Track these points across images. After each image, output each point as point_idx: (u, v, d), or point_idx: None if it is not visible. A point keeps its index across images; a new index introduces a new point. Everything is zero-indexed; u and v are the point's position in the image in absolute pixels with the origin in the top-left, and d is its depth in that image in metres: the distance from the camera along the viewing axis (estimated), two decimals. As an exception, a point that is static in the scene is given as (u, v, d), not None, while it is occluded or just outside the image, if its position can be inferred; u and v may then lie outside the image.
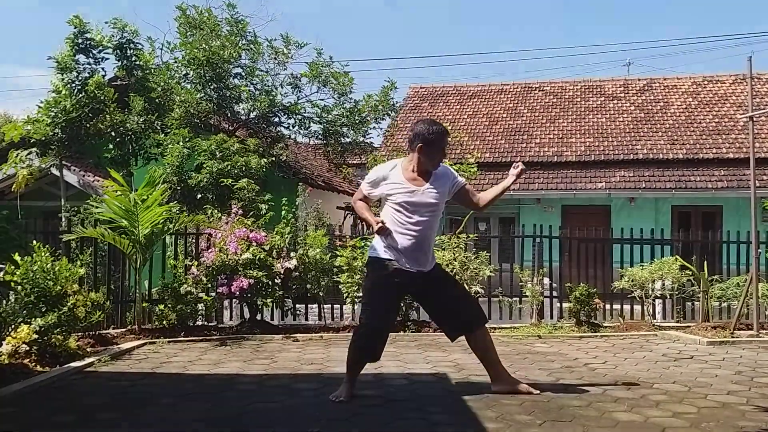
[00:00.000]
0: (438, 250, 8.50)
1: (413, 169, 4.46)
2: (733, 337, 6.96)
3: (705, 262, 8.54)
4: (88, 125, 12.79)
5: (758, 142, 15.82)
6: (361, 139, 16.15)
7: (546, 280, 9.01)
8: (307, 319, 8.43)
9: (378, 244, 4.46)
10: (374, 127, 16.30)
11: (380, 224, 4.35)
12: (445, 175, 4.54)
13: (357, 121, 15.57)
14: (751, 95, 7.89)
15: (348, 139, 15.94)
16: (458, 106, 20.88)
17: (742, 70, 19.34)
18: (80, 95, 12.60)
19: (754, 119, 7.62)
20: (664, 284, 8.62)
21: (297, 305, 8.24)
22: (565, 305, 8.52)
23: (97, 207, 7.45)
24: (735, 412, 4.04)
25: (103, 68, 13.50)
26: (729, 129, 17.52)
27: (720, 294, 8.24)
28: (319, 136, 16.12)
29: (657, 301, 9.03)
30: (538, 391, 4.45)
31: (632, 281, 8.31)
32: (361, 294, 4.64)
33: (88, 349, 5.97)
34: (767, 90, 18.79)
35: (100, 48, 13.32)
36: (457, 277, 8.25)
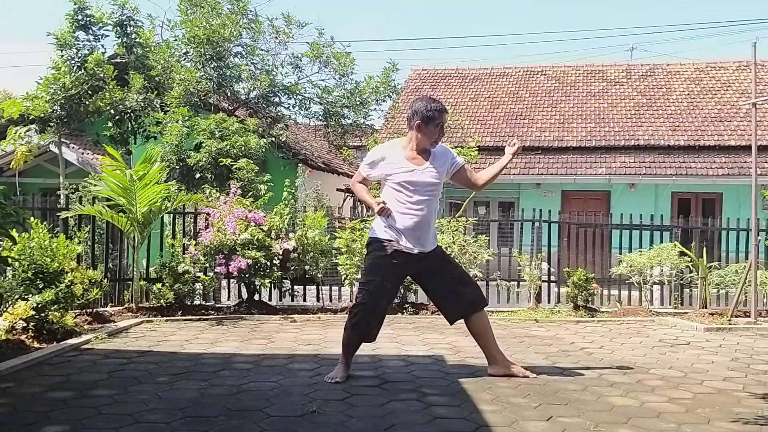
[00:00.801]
0: (437, 233, 8.49)
1: (412, 147, 4.42)
2: (730, 324, 6.97)
3: (704, 249, 8.54)
4: (87, 102, 12.75)
5: (760, 130, 15.77)
6: (362, 120, 16.07)
7: (544, 265, 9.02)
8: (305, 300, 8.44)
9: (378, 225, 4.43)
10: (375, 109, 16.22)
11: (381, 205, 4.31)
12: (443, 154, 4.51)
13: (358, 103, 15.49)
14: (755, 82, 7.85)
15: (348, 121, 15.87)
16: (460, 90, 20.79)
17: (745, 57, 19.27)
18: (79, 72, 12.55)
19: (757, 106, 7.58)
20: (662, 270, 8.63)
21: (295, 286, 8.25)
22: (563, 290, 8.53)
23: (95, 184, 7.42)
24: (731, 398, 4.05)
25: (102, 45, 13.47)
26: (731, 116, 17.47)
27: (718, 281, 8.24)
28: (320, 117, 16.05)
29: (655, 287, 9.03)
30: (534, 375, 4.45)
31: (630, 267, 8.31)
32: (359, 275, 4.58)
33: (86, 327, 5.98)
34: (771, 77, 18.69)
35: (100, 25, 13.25)
36: (456, 260, 8.26)
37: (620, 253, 8.96)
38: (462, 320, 4.56)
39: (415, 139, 4.42)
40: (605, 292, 9.19)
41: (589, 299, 7.92)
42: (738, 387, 4.34)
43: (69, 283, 5.78)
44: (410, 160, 4.38)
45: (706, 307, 7.97)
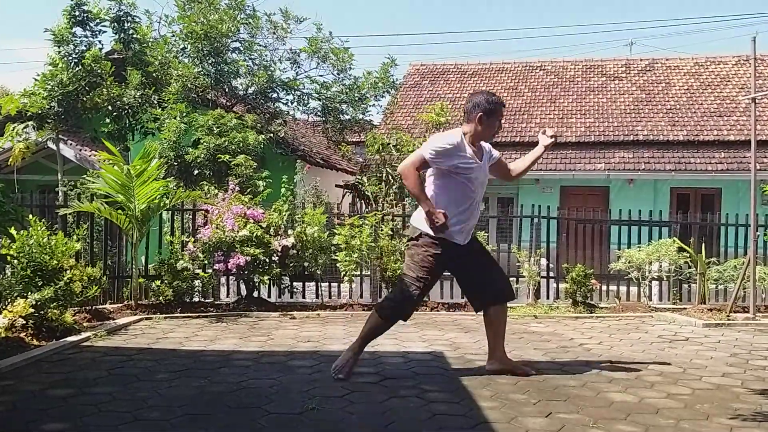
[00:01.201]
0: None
1: (471, 141, 4.41)
2: (729, 320, 6.97)
3: (703, 245, 8.54)
4: (84, 99, 12.73)
5: (759, 125, 15.75)
6: (361, 116, 16.06)
7: (543, 261, 9.01)
8: (304, 296, 8.43)
9: (425, 218, 4.31)
10: (374, 105, 16.23)
11: (443, 218, 4.21)
12: (482, 147, 4.54)
13: (356, 98, 15.48)
14: (754, 76, 7.84)
15: (347, 116, 15.86)
16: (459, 85, 20.75)
17: (745, 52, 19.24)
18: (77, 68, 12.53)
19: (757, 101, 7.57)
20: (660, 266, 8.63)
21: (294, 283, 8.24)
22: (562, 286, 8.53)
23: (93, 181, 7.41)
24: (729, 394, 4.05)
25: (100, 41, 13.44)
26: (730, 111, 17.45)
27: (717, 276, 8.24)
28: (318, 113, 16.04)
29: (653, 282, 9.03)
30: (534, 372, 4.46)
31: (629, 263, 8.30)
32: (408, 269, 4.41)
33: (85, 324, 5.97)
34: (769, 72, 18.67)
35: (97, 21, 13.22)
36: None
37: (619, 249, 8.96)
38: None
39: (475, 133, 4.40)
40: (604, 287, 9.19)
41: (588, 295, 7.92)
42: (737, 383, 4.34)
43: (68, 281, 5.77)
44: (475, 154, 4.38)
45: (704, 303, 7.98)
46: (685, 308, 7.81)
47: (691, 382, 4.35)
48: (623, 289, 8.95)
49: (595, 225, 9.91)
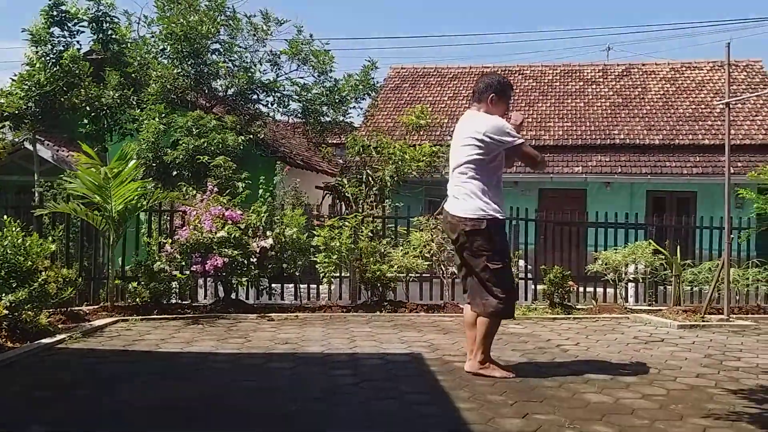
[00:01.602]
0: (416, 231, 8.53)
1: None
2: (703, 321, 7.06)
3: (678, 247, 8.64)
4: (62, 99, 12.60)
5: (734, 129, 15.99)
6: (341, 118, 16.07)
7: (521, 262, 9.07)
8: (282, 298, 8.40)
9: (484, 205, 4.36)
10: (354, 107, 16.25)
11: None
12: None
13: (337, 101, 15.48)
14: (728, 82, 7.95)
15: (327, 118, 15.85)
16: (439, 88, 20.84)
17: (719, 58, 19.51)
18: (54, 69, 12.41)
19: (731, 106, 7.68)
20: (637, 268, 8.72)
21: (273, 284, 8.21)
22: (540, 287, 8.59)
23: (70, 182, 7.33)
24: (703, 394, 4.11)
25: (78, 41, 13.34)
26: (705, 116, 17.70)
27: (692, 278, 8.35)
28: (299, 115, 16.02)
29: (630, 284, 9.13)
30: (513, 374, 4.48)
31: (606, 264, 8.38)
32: (492, 262, 4.37)
33: (60, 326, 5.90)
34: (744, 77, 18.98)
35: (76, 21, 13.11)
36: (434, 258, 8.29)
37: (596, 251, 9.04)
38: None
39: (487, 113, 4.50)
40: (581, 289, 9.27)
41: (566, 296, 7.99)
42: (710, 383, 4.40)
43: (43, 282, 5.70)
44: None
45: (679, 305, 8.08)
46: (660, 310, 7.89)
47: (665, 382, 4.40)
48: (600, 290, 9.04)
49: (572, 227, 10.00)
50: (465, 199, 4.40)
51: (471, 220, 4.35)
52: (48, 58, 12.60)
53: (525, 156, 4.56)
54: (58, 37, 12.92)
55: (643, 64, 20.75)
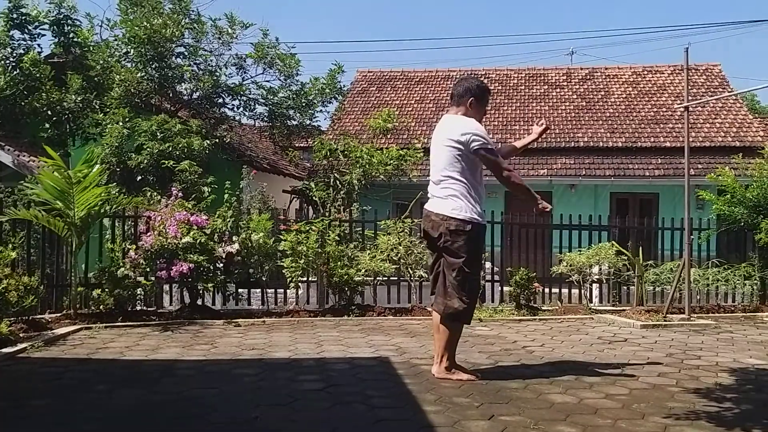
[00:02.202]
0: (383, 235, 8.54)
1: None
2: (665, 321, 7.20)
3: (640, 248, 8.80)
4: (23, 103, 12.39)
5: (694, 132, 16.33)
6: (308, 122, 16.06)
7: (488, 265, 9.14)
8: (249, 303, 8.34)
9: (469, 208, 4.41)
10: (321, 111, 16.27)
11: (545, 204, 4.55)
12: None
13: (303, 104, 15.47)
14: (687, 86, 8.13)
15: (294, 122, 15.82)
16: (405, 92, 20.91)
17: (679, 62, 19.92)
18: (14, 72, 12.21)
19: (690, 109, 7.85)
20: (600, 269, 8.85)
21: (240, 290, 8.14)
22: (506, 289, 8.67)
23: (31, 188, 7.20)
24: (665, 393, 4.19)
25: (39, 45, 13.15)
26: (666, 118, 18.04)
27: (654, 279, 8.51)
28: (265, 119, 15.96)
29: (594, 285, 9.26)
30: (477, 376, 4.51)
31: (570, 266, 8.49)
32: (464, 264, 4.41)
33: (21, 335, 5.77)
34: (704, 80, 19.39)
35: (36, 24, 12.91)
36: (401, 261, 8.31)
37: (561, 253, 9.16)
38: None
39: (466, 116, 4.54)
40: (547, 290, 9.37)
41: (532, 298, 8.08)
42: (671, 382, 4.49)
43: (3, 290, 5.60)
44: None
45: (642, 305, 8.23)
46: (624, 310, 8.02)
47: (628, 382, 4.48)
48: (565, 291, 9.15)
49: (538, 229, 10.11)
50: (450, 199, 4.45)
51: (456, 219, 4.41)
52: (8, 61, 12.39)
53: (488, 164, 4.50)
54: (18, 41, 12.71)
55: (606, 68, 21.07)
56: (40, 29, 13.04)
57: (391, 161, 14.32)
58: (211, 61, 15.01)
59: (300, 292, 8.49)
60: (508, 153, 5.21)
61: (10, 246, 6.64)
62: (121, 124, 12.45)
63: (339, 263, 7.84)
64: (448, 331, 4.45)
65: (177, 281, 7.46)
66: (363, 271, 7.86)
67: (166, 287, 8.19)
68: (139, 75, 13.62)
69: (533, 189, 4.83)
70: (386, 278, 8.38)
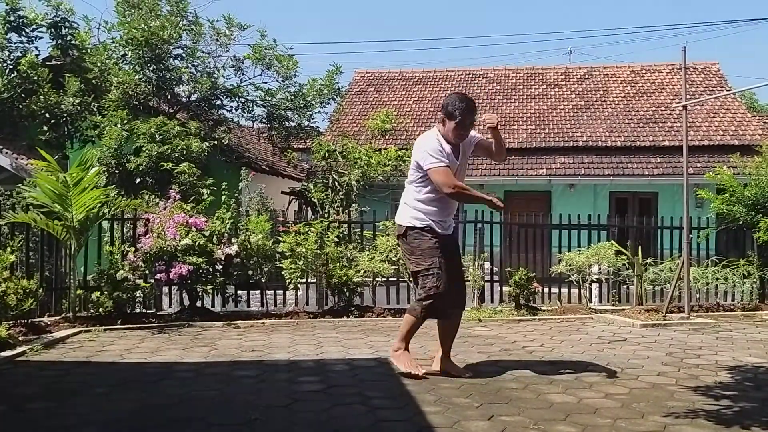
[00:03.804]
0: (382, 236, 8.54)
1: (448, 141, 4.64)
2: (665, 320, 7.20)
3: (640, 247, 8.79)
4: (20, 106, 12.39)
5: (692, 131, 16.34)
6: (306, 123, 16.06)
7: (487, 265, 9.14)
8: (249, 305, 8.33)
9: (416, 214, 4.64)
10: (319, 112, 16.26)
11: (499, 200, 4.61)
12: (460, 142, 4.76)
13: (301, 105, 15.46)
14: (685, 85, 8.14)
15: (292, 123, 15.82)
16: (403, 92, 20.91)
17: (678, 61, 19.93)
18: (12, 75, 12.20)
19: (688, 108, 7.85)
20: (600, 268, 8.85)
21: (239, 292, 8.13)
22: (506, 289, 8.66)
23: (29, 191, 7.18)
24: (664, 392, 4.19)
25: (36, 47, 13.15)
26: (665, 117, 18.05)
27: (653, 278, 8.50)
28: (263, 120, 15.96)
29: (593, 285, 9.25)
30: (469, 374, 4.56)
31: (570, 266, 8.48)
32: (417, 266, 4.63)
33: (20, 338, 5.77)
34: (702, 79, 19.39)
35: (34, 26, 12.91)
36: (400, 262, 8.30)
37: (560, 252, 9.15)
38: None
39: (449, 132, 4.63)
40: (546, 290, 9.36)
41: (531, 298, 8.07)
42: (671, 381, 4.49)
43: (2, 294, 5.59)
44: (453, 152, 4.65)
45: (642, 304, 8.22)
46: (623, 309, 8.02)
47: (628, 381, 4.48)
48: (564, 291, 9.14)
49: (537, 229, 10.10)
50: (401, 207, 4.78)
51: (399, 227, 4.79)
52: (5, 64, 12.39)
53: (435, 183, 4.54)
54: (15, 43, 12.71)
55: (605, 67, 21.07)
56: (38, 32, 13.04)
57: (390, 162, 14.33)
58: (209, 62, 15.03)
59: (299, 293, 8.48)
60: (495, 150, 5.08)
61: (9, 249, 6.63)
62: (119, 126, 12.45)
63: (338, 264, 7.84)
64: (409, 321, 4.65)
65: (176, 283, 7.45)
66: (362, 272, 7.86)
67: (166, 289, 8.18)
68: (136, 77, 13.62)
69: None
70: (385, 279, 8.37)
